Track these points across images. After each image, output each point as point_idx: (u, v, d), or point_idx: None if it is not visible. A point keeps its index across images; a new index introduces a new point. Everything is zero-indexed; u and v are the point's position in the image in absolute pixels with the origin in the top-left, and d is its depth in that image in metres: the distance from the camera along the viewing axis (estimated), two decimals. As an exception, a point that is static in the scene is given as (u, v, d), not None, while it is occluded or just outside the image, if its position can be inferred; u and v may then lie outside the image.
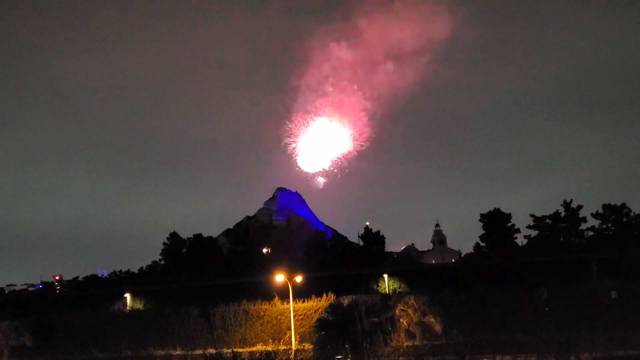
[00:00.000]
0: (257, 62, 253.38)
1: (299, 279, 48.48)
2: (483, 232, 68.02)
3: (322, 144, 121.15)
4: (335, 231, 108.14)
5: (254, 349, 46.70)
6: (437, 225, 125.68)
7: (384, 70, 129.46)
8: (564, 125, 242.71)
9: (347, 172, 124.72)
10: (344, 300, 45.67)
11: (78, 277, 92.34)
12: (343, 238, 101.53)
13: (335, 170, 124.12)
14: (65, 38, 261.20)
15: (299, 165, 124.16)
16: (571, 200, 64.41)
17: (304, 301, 50.45)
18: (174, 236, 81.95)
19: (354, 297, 46.26)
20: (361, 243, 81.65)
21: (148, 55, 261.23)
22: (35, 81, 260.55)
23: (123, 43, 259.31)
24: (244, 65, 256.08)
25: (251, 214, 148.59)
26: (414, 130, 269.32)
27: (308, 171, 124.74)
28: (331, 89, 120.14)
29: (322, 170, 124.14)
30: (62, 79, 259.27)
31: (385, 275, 58.54)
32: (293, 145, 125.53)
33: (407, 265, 79.01)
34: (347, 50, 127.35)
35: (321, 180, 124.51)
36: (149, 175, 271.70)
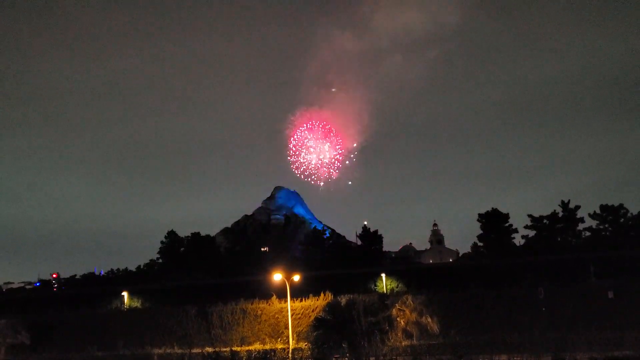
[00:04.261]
0: (257, 57, 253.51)
1: (296, 277, 48.45)
2: (481, 232, 68.22)
3: (323, 140, 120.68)
4: (333, 230, 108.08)
5: (251, 347, 46.65)
6: (435, 225, 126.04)
7: (388, 62, 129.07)
8: (563, 126, 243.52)
9: (349, 183, 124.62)
10: (341, 299, 45.67)
11: (76, 275, 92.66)
12: (341, 237, 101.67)
13: (337, 170, 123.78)
14: (64, 38, 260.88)
15: (298, 162, 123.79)
16: (569, 200, 64.68)
17: (301, 300, 50.38)
18: (171, 235, 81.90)
19: (352, 296, 46.18)
20: (359, 242, 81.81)
21: (146, 54, 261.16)
22: (35, 81, 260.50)
23: (122, 42, 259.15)
24: (243, 61, 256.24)
25: (249, 212, 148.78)
26: (412, 129, 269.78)
27: (308, 169, 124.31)
28: (334, 81, 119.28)
29: (322, 167, 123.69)
30: (62, 80, 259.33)
31: (383, 275, 58.61)
32: (293, 142, 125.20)
33: (405, 264, 79.28)
34: (352, 41, 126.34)
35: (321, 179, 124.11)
36: (147, 174, 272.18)
